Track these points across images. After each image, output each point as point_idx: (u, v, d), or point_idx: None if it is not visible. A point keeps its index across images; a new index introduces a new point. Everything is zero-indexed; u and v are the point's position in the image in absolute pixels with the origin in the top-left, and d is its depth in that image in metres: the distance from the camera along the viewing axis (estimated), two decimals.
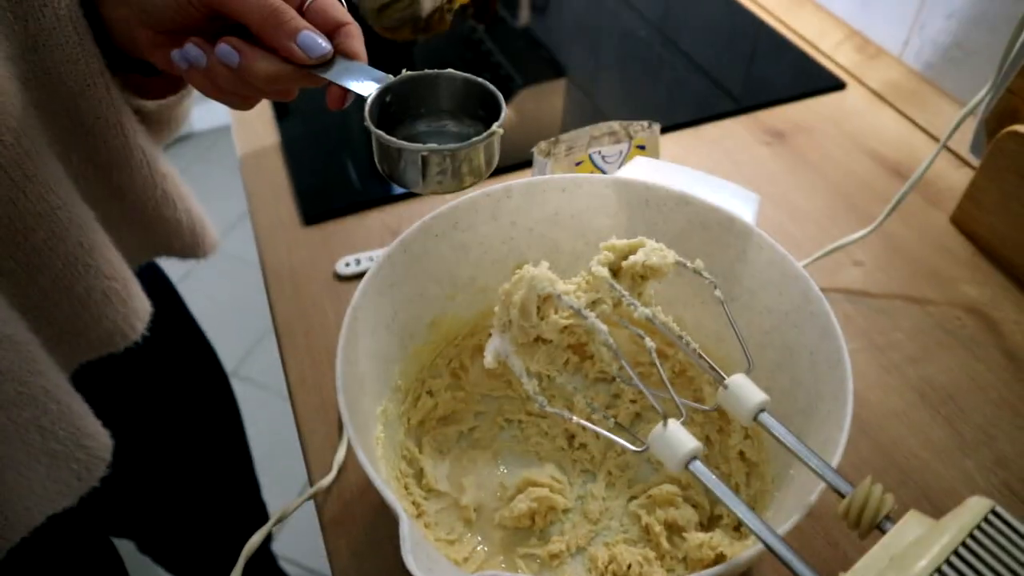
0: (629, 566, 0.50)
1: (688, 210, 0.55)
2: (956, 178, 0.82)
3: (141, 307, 0.61)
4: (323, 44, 0.45)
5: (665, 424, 0.42)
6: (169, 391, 0.87)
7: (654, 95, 0.99)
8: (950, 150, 0.86)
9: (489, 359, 0.49)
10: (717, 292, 0.47)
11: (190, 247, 0.68)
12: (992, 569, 0.32)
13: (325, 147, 0.89)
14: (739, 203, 0.59)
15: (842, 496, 0.38)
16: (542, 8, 1.13)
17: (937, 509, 0.55)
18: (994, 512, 0.33)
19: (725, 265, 0.54)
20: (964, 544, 0.32)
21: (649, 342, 0.45)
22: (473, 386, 0.61)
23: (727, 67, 1.00)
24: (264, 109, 0.92)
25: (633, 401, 0.60)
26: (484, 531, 0.54)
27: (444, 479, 0.56)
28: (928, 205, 0.80)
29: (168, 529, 1.02)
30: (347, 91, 0.46)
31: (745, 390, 0.44)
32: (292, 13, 0.44)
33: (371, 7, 0.73)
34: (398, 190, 0.80)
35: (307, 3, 0.46)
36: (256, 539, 0.53)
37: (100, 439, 0.56)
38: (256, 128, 0.91)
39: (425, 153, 0.44)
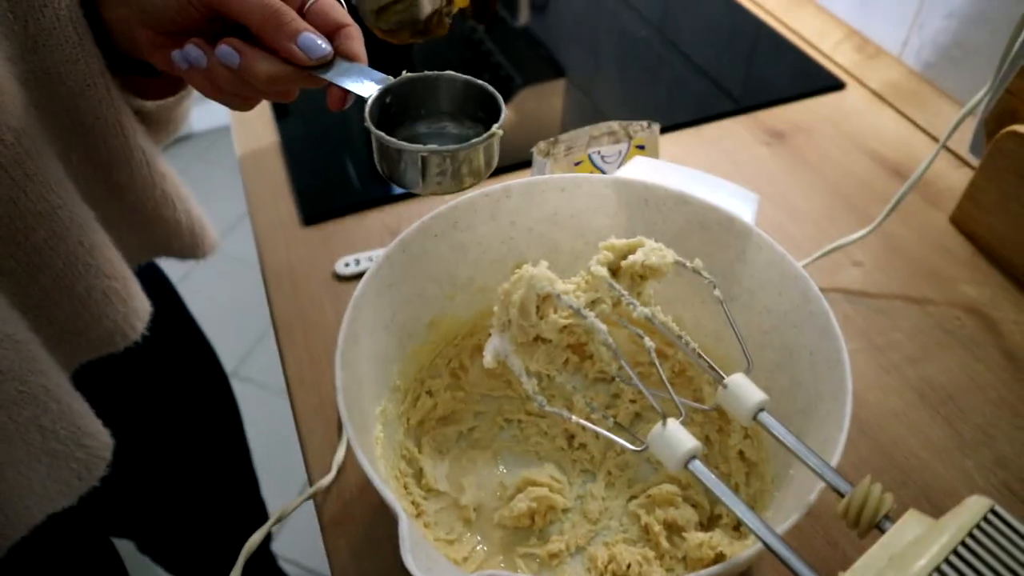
0: (628, 566, 0.50)
1: (687, 210, 0.55)
2: (955, 178, 0.82)
3: (141, 307, 0.61)
4: (323, 45, 0.45)
5: (664, 423, 0.42)
6: (169, 391, 0.87)
7: (654, 95, 0.99)
8: (949, 150, 0.86)
9: (488, 359, 0.49)
10: (716, 292, 0.47)
11: (189, 247, 0.68)
12: (991, 568, 0.32)
13: (325, 147, 0.89)
14: (738, 203, 0.59)
15: (841, 495, 0.38)
16: (541, 8, 1.13)
17: (937, 509, 0.55)
18: (993, 511, 0.33)
19: (724, 265, 0.54)
20: (963, 543, 0.32)
21: (648, 342, 0.45)
22: (472, 386, 0.61)
23: (727, 67, 1.00)
24: (263, 109, 0.92)
25: (633, 401, 0.60)
26: (483, 531, 0.54)
27: (443, 479, 0.56)
28: (927, 205, 0.80)
29: (168, 529, 1.02)
30: (347, 92, 0.46)
31: (744, 389, 0.44)
32: (293, 15, 0.44)
33: (370, 9, 0.73)
34: (397, 190, 0.81)
35: (307, 5, 0.46)
36: (255, 538, 0.53)
37: (100, 438, 0.56)
38: (256, 128, 0.91)
39: (425, 154, 0.44)
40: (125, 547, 0.86)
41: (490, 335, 0.51)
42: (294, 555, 1.40)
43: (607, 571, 0.51)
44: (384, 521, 0.56)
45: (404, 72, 0.48)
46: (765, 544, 0.37)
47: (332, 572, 0.54)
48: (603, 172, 0.70)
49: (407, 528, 0.37)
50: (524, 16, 1.11)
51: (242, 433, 1.06)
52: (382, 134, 0.45)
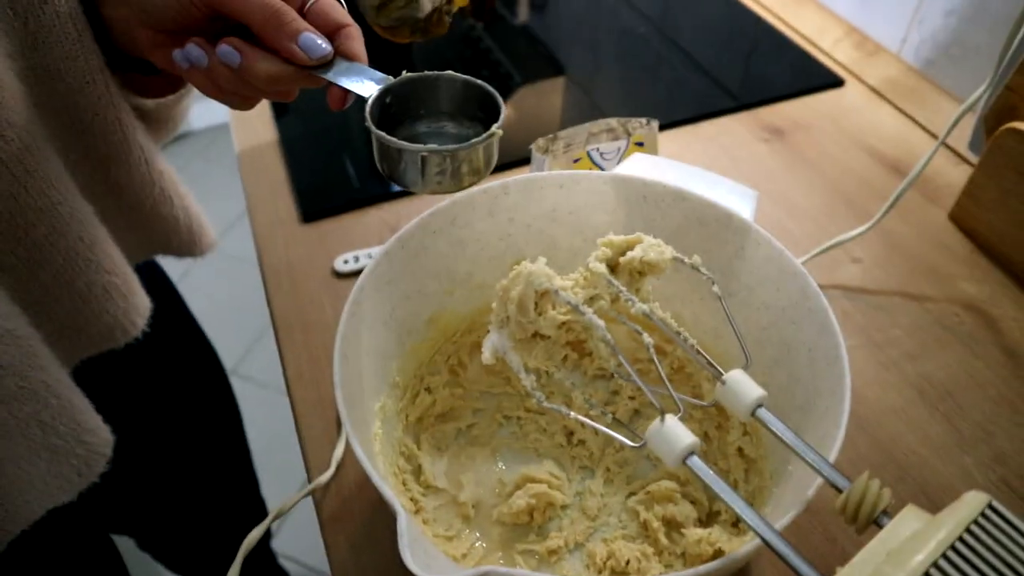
0: (627, 562, 0.50)
1: (686, 206, 0.55)
2: (954, 175, 0.82)
3: (141, 303, 0.61)
4: (323, 45, 0.45)
5: (663, 420, 0.42)
6: (169, 388, 0.87)
7: (653, 93, 0.99)
8: (948, 147, 0.86)
9: (487, 355, 0.49)
10: (715, 288, 0.47)
11: (187, 245, 0.68)
12: (989, 564, 0.32)
13: (323, 145, 0.89)
14: (737, 199, 0.59)
15: (840, 491, 0.38)
16: (541, 6, 1.13)
17: (935, 506, 0.55)
18: (991, 507, 0.33)
19: (723, 261, 0.54)
20: (961, 539, 0.32)
21: (647, 338, 0.45)
22: (471, 383, 0.61)
23: (726, 65, 1.00)
24: (263, 108, 0.92)
25: (632, 398, 0.60)
26: (482, 527, 0.54)
27: (442, 475, 0.56)
28: (926, 202, 0.80)
29: (167, 526, 1.03)
30: (347, 92, 0.46)
31: (743, 385, 0.44)
32: (293, 14, 0.45)
33: (370, 4, 0.73)
34: (396, 187, 0.80)
35: (308, 5, 0.46)
36: (254, 535, 0.53)
37: (101, 434, 0.56)
38: (255, 126, 0.91)
39: (425, 153, 0.45)
40: (125, 544, 0.87)
41: (489, 331, 0.51)
42: (293, 552, 1.40)
43: (606, 567, 0.51)
44: (383, 517, 0.56)
45: (404, 72, 0.48)
46: (763, 540, 0.37)
47: (331, 568, 0.54)
48: (602, 169, 0.70)
49: (406, 525, 0.37)
50: (523, 14, 1.11)
51: (241, 430, 1.06)
52: (382, 134, 0.45)
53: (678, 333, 0.47)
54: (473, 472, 0.57)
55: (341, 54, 0.46)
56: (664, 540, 0.51)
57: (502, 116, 0.46)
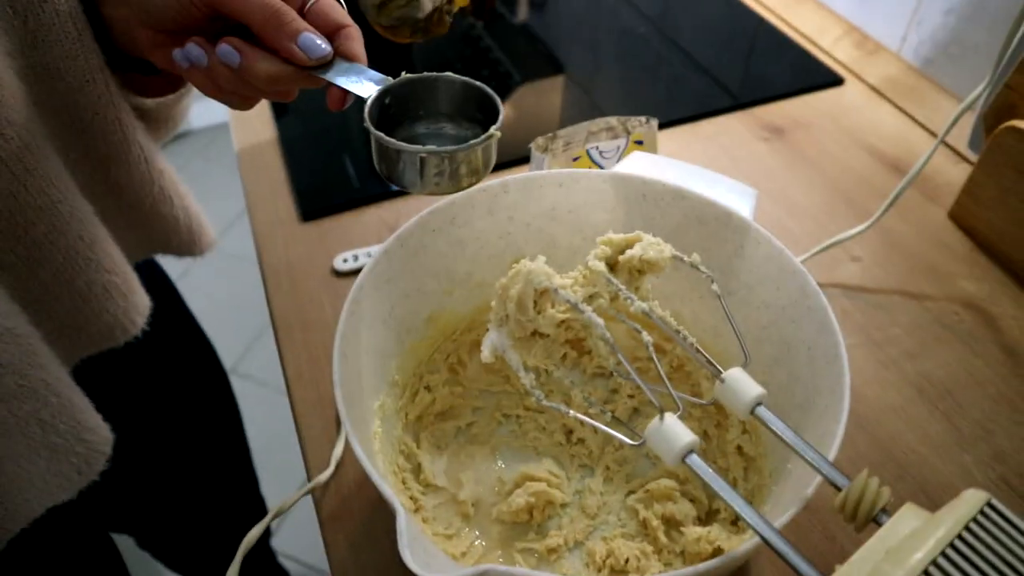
0: (627, 560, 0.50)
1: (685, 205, 0.55)
2: (954, 174, 0.82)
3: (141, 302, 0.61)
4: (323, 46, 0.45)
5: (662, 418, 0.42)
6: (168, 387, 0.87)
7: (652, 92, 0.99)
8: (948, 146, 0.86)
9: (486, 353, 0.49)
10: (714, 286, 0.48)
11: (187, 244, 0.68)
12: (988, 561, 0.32)
13: (323, 144, 0.89)
14: (736, 198, 0.59)
15: (839, 489, 0.38)
16: (540, 4, 1.13)
17: (935, 504, 0.55)
18: (990, 505, 0.33)
19: (722, 260, 0.54)
20: (960, 537, 0.32)
21: (646, 336, 0.45)
22: (471, 381, 0.61)
23: (726, 64, 1.00)
24: (262, 107, 0.92)
25: (631, 396, 0.60)
26: (482, 526, 0.54)
27: (442, 474, 0.56)
28: (926, 201, 0.80)
29: (167, 524, 1.03)
30: (347, 92, 0.46)
31: (742, 384, 0.44)
32: (293, 15, 0.45)
33: (370, 4, 0.73)
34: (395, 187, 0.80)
35: (308, 5, 0.46)
36: (254, 533, 0.53)
37: (100, 433, 0.56)
38: (254, 125, 0.91)
39: (424, 155, 0.45)
40: (124, 542, 0.87)
41: (488, 330, 0.51)
42: (293, 551, 1.41)
43: (605, 566, 0.51)
44: (382, 516, 0.56)
45: (403, 73, 0.48)
46: (762, 538, 0.37)
47: (331, 567, 0.54)
48: (601, 167, 0.70)
49: (405, 523, 0.37)
50: (523, 12, 1.11)
51: (241, 429, 1.06)
52: (381, 134, 0.45)
53: (677, 331, 0.47)
54: (472, 470, 0.57)
55: (341, 54, 0.46)
56: (663, 538, 0.52)
57: (501, 118, 0.46)
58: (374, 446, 0.49)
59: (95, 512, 0.76)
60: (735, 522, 0.51)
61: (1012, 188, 0.70)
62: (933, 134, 0.88)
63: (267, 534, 1.29)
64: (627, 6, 1.12)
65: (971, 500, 0.34)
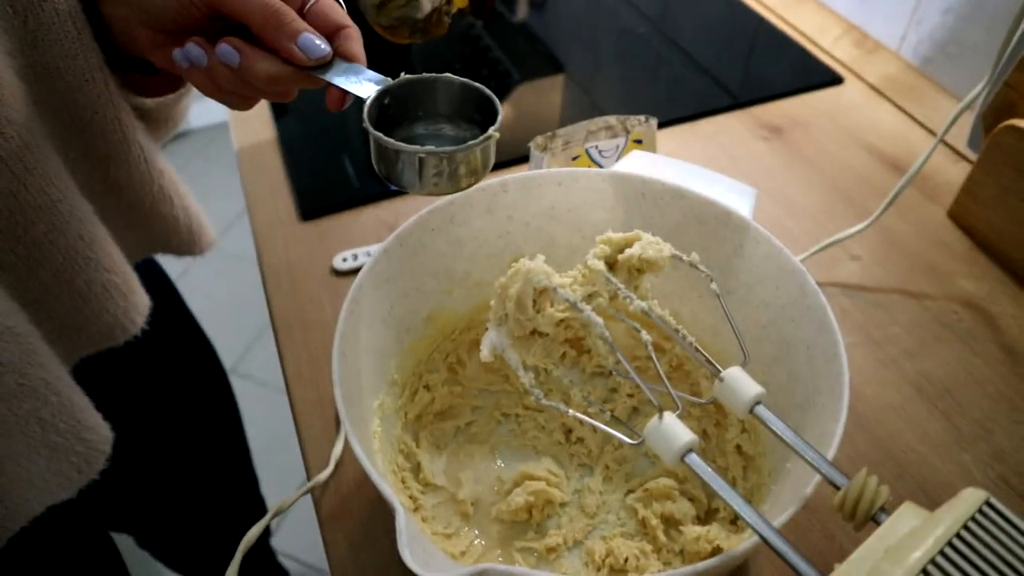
0: (626, 559, 0.50)
1: (684, 204, 0.55)
2: (953, 172, 0.82)
3: (141, 301, 0.61)
4: (323, 46, 0.45)
5: (661, 417, 0.42)
6: (168, 386, 0.87)
7: (652, 91, 0.99)
8: (947, 144, 0.86)
9: (485, 352, 0.49)
10: (713, 286, 0.48)
11: (187, 244, 0.69)
12: (986, 560, 0.32)
13: (322, 144, 0.89)
14: (735, 197, 0.59)
15: (838, 488, 0.39)
16: (540, 4, 1.13)
17: (934, 503, 0.55)
18: (988, 504, 0.33)
19: (722, 259, 0.54)
20: (958, 535, 0.32)
21: (645, 335, 0.45)
22: (470, 381, 0.61)
23: (725, 63, 1.00)
24: (262, 106, 0.92)
25: (630, 395, 0.60)
26: (481, 525, 0.54)
27: (441, 473, 0.56)
28: (925, 199, 0.80)
29: (167, 523, 1.03)
30: (346, 93, 0.47)
31: (741, 383, 0.44)
32: (293, 15, 0.45)
33: (370, 4, 0.73)
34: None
35: (308, 5, 0.46)
36: (254, 532, 0.53)
37: (100, 432, 0.56)
38: (254, 125, 0.91)
39: (422, 155, 0.45)
40: (124, 542, 0.87)
41: (487, 329, 0.51)
42: (293, 550, 1.41)
43: (604, 565, 0.51)
44: (382, 515, 0.56)
45: (402, 74, 0.48)
46: (761, 537, 0.37)
47: (330, 566, 0.54)
48: (600, 167, 0.70)
49: (404, 522, 0.37)
50: (522, 12, 1.11)
51: (241, 429, 1.06)
52: (380, 135, 0.45)
53: (676, 331, 0.47)
54: (472, 470, 0.57)
55: (340, 55, 0.46)
56: (662, 537, 0.52)
57: (499, 119, 0.46)
58: (373, 445, 0.49)
59: (95, 511, 0.76)
60: (734, 521, 0.52)
61: (1011, 187, 0.70)
62: (932, 133, 0.88)
63: (267, 533, 1.29)
64: (627, 6, 1.12)
65: (970, 499, 0.34)
